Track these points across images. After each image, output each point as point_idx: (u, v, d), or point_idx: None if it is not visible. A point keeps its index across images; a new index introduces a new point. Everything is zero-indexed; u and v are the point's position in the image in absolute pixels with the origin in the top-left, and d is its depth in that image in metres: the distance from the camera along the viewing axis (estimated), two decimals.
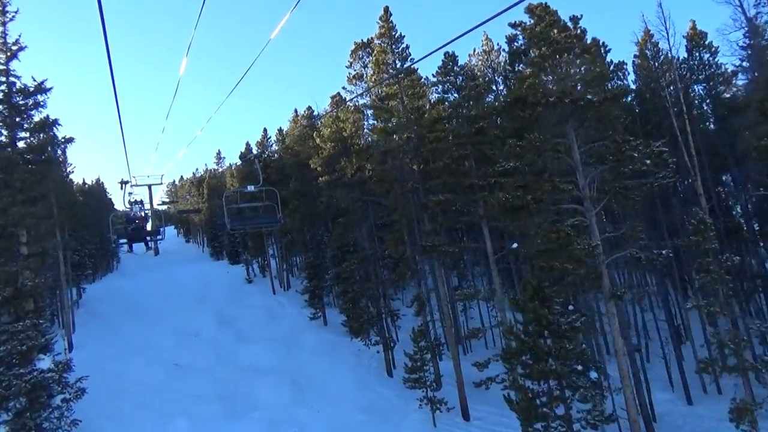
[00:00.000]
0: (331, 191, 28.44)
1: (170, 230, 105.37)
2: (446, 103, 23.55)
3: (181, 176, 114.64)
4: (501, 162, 20.02)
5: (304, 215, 39.14)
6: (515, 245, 22.12)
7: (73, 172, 48.59)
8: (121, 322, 42.45)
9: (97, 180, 79.46)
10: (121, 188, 19.38)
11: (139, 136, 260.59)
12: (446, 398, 23.36)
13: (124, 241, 20.59)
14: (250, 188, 15.52)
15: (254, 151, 52.46)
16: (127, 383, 29.02)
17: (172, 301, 47.90)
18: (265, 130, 53.18)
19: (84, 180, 69.30)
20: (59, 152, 34.85)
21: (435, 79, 24.27)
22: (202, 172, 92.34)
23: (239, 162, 67.33)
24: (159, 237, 20.26)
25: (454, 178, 22.82)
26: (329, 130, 30.28)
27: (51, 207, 33.43)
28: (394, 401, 25.35)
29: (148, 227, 22.15)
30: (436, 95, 24.40)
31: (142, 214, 21.99)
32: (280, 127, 53.01)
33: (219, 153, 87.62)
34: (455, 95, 24.10)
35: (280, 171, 49.07)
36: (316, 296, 38.51)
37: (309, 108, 42.78)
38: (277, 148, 51.38)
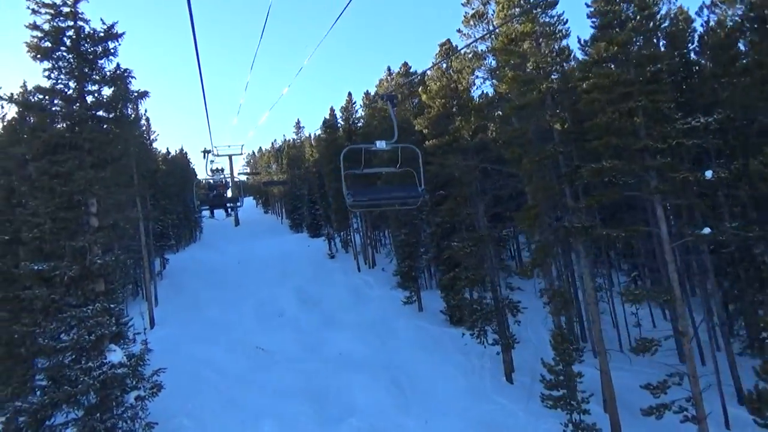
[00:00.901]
0: (441, 157, 23.04)
1: (249, 201, 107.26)
2: (607, 40, 17.25)
3: (260, 147, 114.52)
4: (684, 119, 13.96)
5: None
6: (707, 231, 15.82)
7: (156, 140, 46.32)
8: (203, 296, 40.71)
9: (181, 150, 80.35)
10: (204, 157, 18.47)
11: (221, 105, 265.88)
12: (597, 424, 17.71)
13: (206, 207, 19.93)
14: (381, 145, 9.93)
15: (339, 117, 48.01)
16: (208, 372, 25.90)
17: (253, 275, 46.27)
18: (349, 94, 48.57)
19: (168, 149, 67.28)
20: (136, 112, 32.25)
21: (592, 9, 17.96)
22: (281, 143, 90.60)
23: (320, 131, 64.09)
24: (239, 204, 19.24)
25: (617, 139, 16.67)
26: (438, 84, 24.66)
27: (131, 174, 31.29)
28: (520, 418, 20.08)
29: (228, 194, 21.06)
30: (592, 29, 18.11)
31: (223, 181, 20.90)
32: (367, 90, 47.90)
33: (298, 122, 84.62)
34: (617, 31, 17.74)
35: (367, 138, 44.56)
36: (410, 278, 33.70)
37: (405, 64, 37.23)
38: (363, 113, 46.44)
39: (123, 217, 23.22)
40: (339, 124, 48.35)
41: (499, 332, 23.58)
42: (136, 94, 20.53)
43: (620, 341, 24.29)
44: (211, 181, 20.93)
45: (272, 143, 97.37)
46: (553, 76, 20.11)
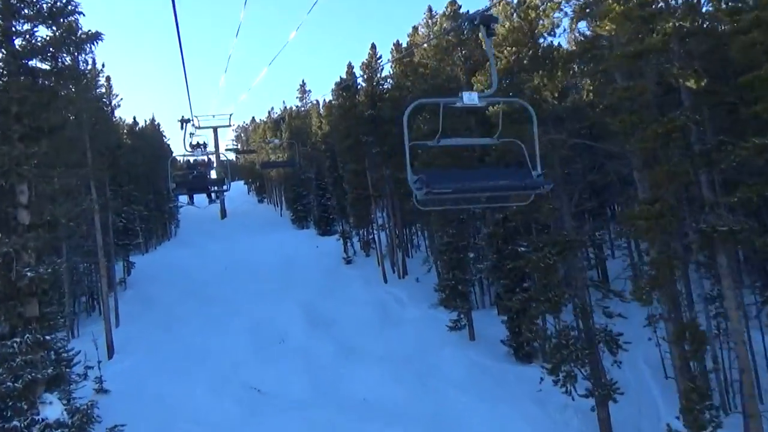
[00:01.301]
0: (511, 129, 20.36)
1: (238, 187, 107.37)
2: None
3: (253, 117, 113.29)
4: None
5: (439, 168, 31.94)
6: None
7: (119, 105, 45.43)
8: (178, 313, 39.62)
9: (152, 120, 78.69)
10: (181, 128, 18.79)
11: (205, 61, 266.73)
12: None
13: (184, 192, 20.38)
14: (471, 98, 7.54)
15: (359, 76, 45.90)
16: (183, 421, 24.14)
17: (244, 285, 45.18)
18: (373, 46, 46.18)
19: (135, 119, 67.38)
20: (93, 68, 30.52)
21: None
22: (280, 111, 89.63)
23: (332, 96, 62.35)
24: (224, 188, 19.25)
25: None
26: (507, 26, 22.12)
27: (82, 150, 30.14)
28: None
29: (212, 176, 22.01)
30: None
31: (206, 159, 21.74)
32: (397, 41, 45.72)
33: (303, 85, 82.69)
34: None
35: (397, 105, 42.56)
36: (458, 294, 31.73)
37: (453, 2, 34.65)
38: (393, 70, 44.39)
39: (69, 210, 21.44)
40: (359, 85, 46.62)
41: (592, 378, 21.10)
42: (84, 35, 18.56)
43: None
44: (191, 159, 21.58)
45: (269, 112, 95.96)
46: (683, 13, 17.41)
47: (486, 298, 38.24)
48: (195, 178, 20.23)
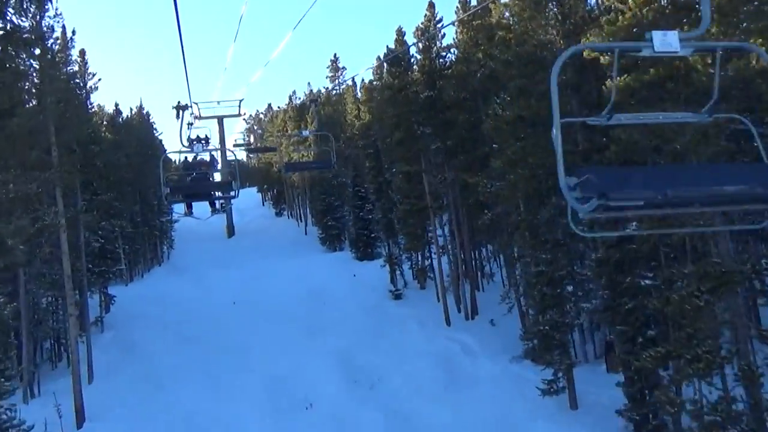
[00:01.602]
0: (651, 105, 19.08)
1: (249, 195, 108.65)
2: None
3: (269, 105, 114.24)
4: None
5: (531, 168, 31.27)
6: None
7: (95, 88, 46.24)
8: (170, 365, 39.54)
9: (139, 108, 79.19)
10: (177, 117, 19.96)
11: (206, 46, 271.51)
12: None
13: (180, 199, 21.31)
14: None
15: (411, 45, 45.25)
16: None
17: (259, 326, 45.36)
18: (431, 5, 45.97)
19: (118, 107, 68.14)
20: (51, 29, 30.87)
21: None
22: (304, 96, 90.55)
23: (374, 74, 61.92)
24: (232, 194, 20.09)
25: None
26: None
27: (45, 146, 31.36)
28: None
29: (216, 178, 23.72)
30: None
31: (207, 157, 23.03)
32: None
33: (335, 60, 79.99)
34: None
35: (464, 83, 42.62)
36: (554, 344, 31.29)
37: None
38: (458, 37, 44.97)
39: (24, 227, 21.22)
40: (412, 58, 46.40)
41: None
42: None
43: None
44: (189, 157, 22.59)
45: (290, 97, 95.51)
46: None
47: (590, 348, 37.19)
48: (194, 180, 20.84)
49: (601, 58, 23.43)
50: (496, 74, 36.86)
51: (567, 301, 32.58)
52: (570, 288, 33.45)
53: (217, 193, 22.28)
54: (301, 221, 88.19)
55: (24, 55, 27.96)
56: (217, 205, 27.68)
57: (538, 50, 30.80)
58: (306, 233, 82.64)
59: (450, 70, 44.35)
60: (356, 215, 64.51)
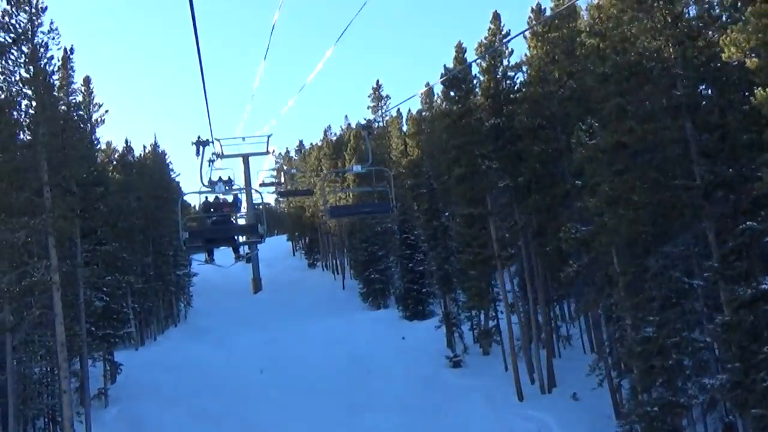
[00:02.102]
0: None
1: (279, 243, 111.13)
2: None
3: (300, 142, 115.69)
4: None
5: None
6: None
7: (102, 122, 46.39)
8: None
9: (154, 145, 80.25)
10: (197, 153, 20.07)
11: (229, 83, 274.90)
12: None
13: (199, 244, 22.09)
14: None
15: (473, 63, 43.58)
16: None
17: (292, 399, 45.71)
18: (496, 15, 44.77)
19: (128, 143, 67.77)
20: (46, 48, 30.66)
21: None
22: (341, 130, 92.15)
23: (421, 102, 60.73)
24: (257, 239, 20.39)
25: None
26: None
27: (35, 186, 29.97)
28: None
29: (240, 222, 24.01)
30: None
31: (230, 198, 23.13)
32: (538, 2, 45.19)
33: (378, 88, 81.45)
34: None
35: (538, 109, 41.36)
36: (667, 428, 29.52)
37: None
38: (530, 52, 42.58)
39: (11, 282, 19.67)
40: (475, 79, 44.99)
41: None
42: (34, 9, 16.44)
43: None
44: (210, 197, 22.66)
45: (325, 132, 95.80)
46: None
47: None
48: (216, 224, 21.36)
49: (748, 61, 20.61)
50: (578, 95, 35.50)
51: (681, 376, 30.14)
52: (688, 362, 31.06)
53: (241, 238, 22.62)
54: (338, 273, 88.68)
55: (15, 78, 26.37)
56: (242, 251, 26.08)
57: (644, 60, 28.71)
58: (344, 287, 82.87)
59: (520, 93, 43.10)
60: (404, 267, 63.91)
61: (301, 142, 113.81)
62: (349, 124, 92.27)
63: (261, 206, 24.75)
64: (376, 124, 79.90)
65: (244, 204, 26.08)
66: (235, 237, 22.64)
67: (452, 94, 45.07)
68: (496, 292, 47.56)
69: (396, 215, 64.70)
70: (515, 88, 43.55)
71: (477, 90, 45.22)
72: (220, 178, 21.93)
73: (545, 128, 41.08)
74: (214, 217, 22.00)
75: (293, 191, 77.92)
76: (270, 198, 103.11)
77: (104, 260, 43.78)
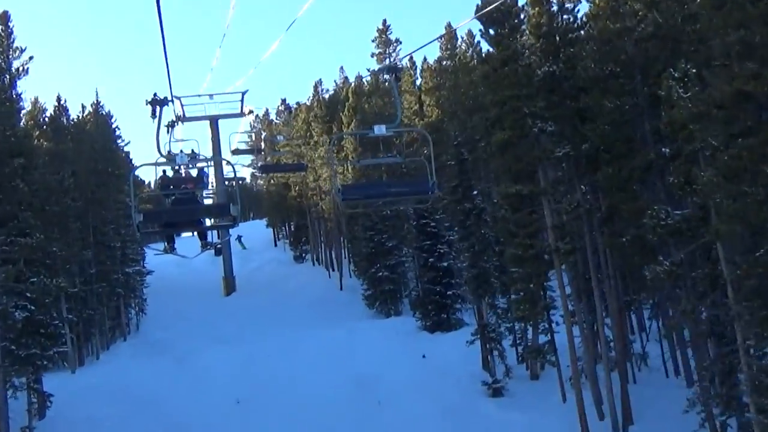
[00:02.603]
0: None
1: (256, 228, 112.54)
2: None
3: (284, 101, 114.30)
4: None
5: None
6: None
7: (25, 73, 46.05)
8: None
9: (96, 106, 77.59)
10: (153, 115, 20.64)
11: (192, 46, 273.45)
12: None
13: (156, 229, 22.43)
14: None
15: None
16: None
17: None
18: None
19: (61, 101, 65.19)
20: None
21: None
22: (335, 84, 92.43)
23: (440, 49, 59.69)
24: (229, 222, 21.28)
25: None
26: None
27: None
28: None
29: (207, 201, 27.85)
30: None
31: (195, 172, 24.62)
32: None
33: (386, 29, 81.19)
34: None
35: (608, 51, 40.09)
36: None
37: None
38: None
39: None
40: (523, 12, 43.64)
41: None
42: None
43: None
44: (169, 172, 23.88)
45: (316, 87, 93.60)
46: None
47: None
48: (177, 203, 22.03)
49: None
50: (665, 31, 34.40)
51: None
52: None
53: (209, 220, 23.75)
54: (334, 270, 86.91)
55: None
56: (210, 238, 27.85)
57: None
58: (341, 288, 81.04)
59: (584, 30, 41.49)
60: (423, 262, 62.07)
61: (284, 101, 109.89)
62: (346, 78, 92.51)
63: (234, 182, 27.14)
64: (384, 75, 77.59)
65: (212, 179, 28.93)
66: (202, 220, 23.16)
67: (492, 32, 43.04)
68: (552, 297, 45.51)
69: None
70: (576, 23, 41.49)
71: (525, 27, 43.20)
72: (181, 151, 23.28)
73: (619, 77, 38.87)
74: (175, 196, 22.69)
75: (279, 166, 77.49)
76: (245, 172, 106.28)
77: (26, 256, 42.71)
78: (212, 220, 24.04)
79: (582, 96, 39.26)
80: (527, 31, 42.98)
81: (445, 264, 59.20)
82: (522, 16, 43.60)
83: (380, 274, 67.46)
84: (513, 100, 40.43)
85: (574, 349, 42.82)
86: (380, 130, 27.52)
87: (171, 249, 23.48)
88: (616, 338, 43.00)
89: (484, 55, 44.91)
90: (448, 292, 59.06)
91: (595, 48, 39.98)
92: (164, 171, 23.87)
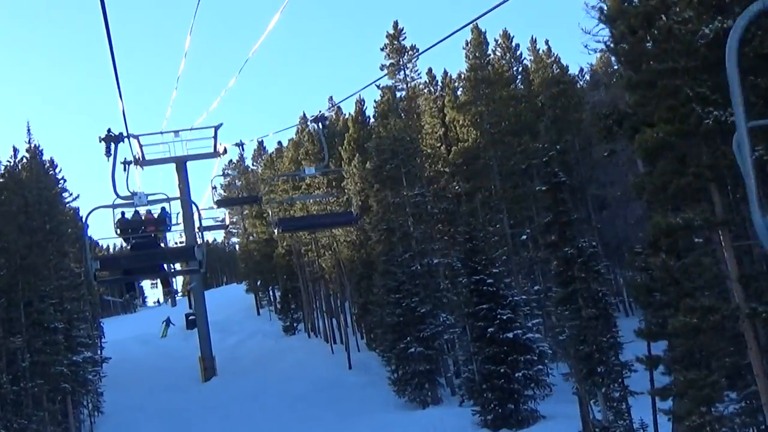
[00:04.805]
0: None
1: (233, 294, 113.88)
2: None
3: (260, 143, 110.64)
4: None
5: None
6: None
7: None
8: None
9: (33, 149, 70.41)
10: (107, 153, 24.16)
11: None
12: None
13: (113, 279, 25.96)
14: None
15: None
16: None
17: None
18: None
19: None
20: None
21: None
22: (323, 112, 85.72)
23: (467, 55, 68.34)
24: (195, 266, 23.47)
25: None
26: None
27: None
28: None
29: (173, 243, 31.19)
30: None
31: (157, 212, 26.47)
32: None
33: (399, 33, 77.63)
34: None
35: None
36: None
37: None
38: None
39: None
40: None
41: None
42: None
43: None
44: (126, 212, 25.71)
45: (302, 118, 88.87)
46: None
47: None
48: (138, 246, 24.06)
49: None
50: None
51: None
52: None
53: (173, 265, 25.51)
54: (335, 342, 79.68)
55: None
56: (173, 285, 30.37)
57: None
58: (350, 367, 71.07)
59: None
60: (471, 324, 50.33)
61: (261, 143, 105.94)
62: (333, 104, 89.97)
63: (199, 227, 25.40)
64: (398, 88, 74.11)
65: (175, 220, 28.27)
66: (164, 266, 24.72)
67: None
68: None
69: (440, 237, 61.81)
70: None
71: None
72: (138, 194, 22.54)
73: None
74: (136, 238, 23.97)
75: (234, 199, 79.31)
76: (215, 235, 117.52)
77: None
78: (176, 263, 24.61)
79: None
80: None
81: (509, 335, 47.96)
82: None
83: (412, 349, 56.69)
84: (669, 75, 27.70)
85: None
86: (310, 171, 35.36)
87: (133, 296, 18.34)
88: None
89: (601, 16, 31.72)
90: (517, 374, 47.69)
91: None
92: (123, 213, 24.06)
